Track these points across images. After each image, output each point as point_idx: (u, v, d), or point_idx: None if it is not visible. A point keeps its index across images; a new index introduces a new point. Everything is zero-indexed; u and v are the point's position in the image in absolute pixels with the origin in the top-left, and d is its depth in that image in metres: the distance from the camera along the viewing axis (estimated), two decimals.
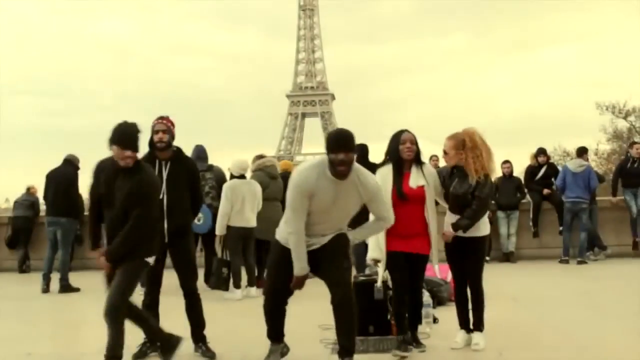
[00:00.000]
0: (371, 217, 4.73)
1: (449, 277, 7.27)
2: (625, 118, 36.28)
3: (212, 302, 7.30)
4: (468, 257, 5.06)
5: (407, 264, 4.97)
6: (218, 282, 7.95)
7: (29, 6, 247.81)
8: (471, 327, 5.11)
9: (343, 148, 4.23)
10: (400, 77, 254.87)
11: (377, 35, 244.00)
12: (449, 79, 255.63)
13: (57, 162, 9.47)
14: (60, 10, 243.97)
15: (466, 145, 4.95)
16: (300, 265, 4.38)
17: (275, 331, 4.74)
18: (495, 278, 8.98)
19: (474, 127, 5.08)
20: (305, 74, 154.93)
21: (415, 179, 4.95)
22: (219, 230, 8.02)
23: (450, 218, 5.07)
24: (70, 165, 9.33)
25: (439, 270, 7.34)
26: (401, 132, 5.03)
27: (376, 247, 5.00)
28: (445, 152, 5.07)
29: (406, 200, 4.89)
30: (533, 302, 6.99)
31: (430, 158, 11.24)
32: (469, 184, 4.93)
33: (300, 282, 4.43)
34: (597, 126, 37.30)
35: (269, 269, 4.83)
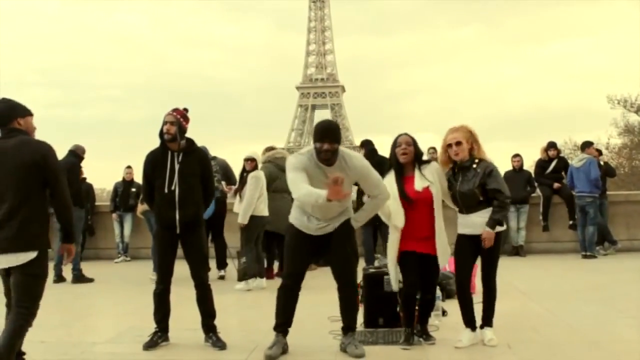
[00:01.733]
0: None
1: None
2: (637, 112, 36.00)
3: (222, 293, 7.35)
4: (483, 254, 4.97)
5: (418, 263, 4.96)
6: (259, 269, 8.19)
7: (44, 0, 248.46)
8: (479, 323, 5.08)
9: (327, 138, 4.58)
10: (410, 69, 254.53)
11: (388, 27, 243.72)
12: (459, 71, 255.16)
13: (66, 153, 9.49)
14: (71, 3, 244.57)
15: (472, 134, 4.98)
16: (319, 194, 4.37)
17: (284, 318, 4.89)
18: (505, 272, 8.95)
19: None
20: (315, 65, 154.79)
21: (420, 181, 4.90)
22: (243, 219, 8.04)
23: (464, 219, 4.98)
24: (73, 155, 9.33)
25: (448, 263, 7.40)
26: (399, 135, 5.01)
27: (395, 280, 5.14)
28: (457, 144, 4.90)
29: (413, 203, 4.86)
30: (542, 296, 6.99)
31: (428, 150, 11.24)
32: (477, 177, 4.86)
33: (335, 186, 4.29)
34: (609, 120, 37.16)
35: (285, 252, 5.01)
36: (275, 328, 4.90)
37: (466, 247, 4.96)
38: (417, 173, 4.93)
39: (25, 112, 4.39)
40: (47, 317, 6.75)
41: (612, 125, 36.71)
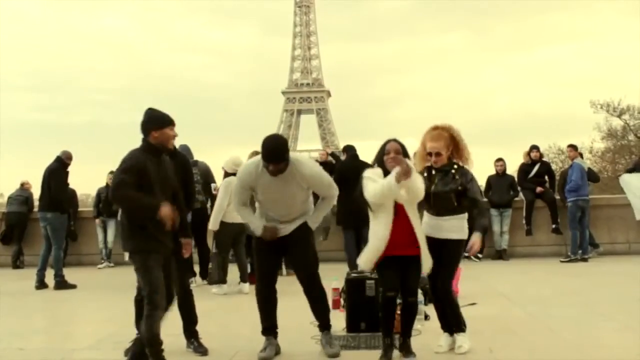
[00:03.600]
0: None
1: None
2: (619, 116, 36.32)
3: (204, 298, 7.32)
4: (442, 259, 4.79)
5: (397, 267, 4.75)
6: (223, 276, 8.14)
7: (28, 2, 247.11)
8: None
9: (272, 160, 4.69)
10: (396, 74, 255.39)
11: (374, 33, 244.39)
12: (445, 77, 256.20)
13: (53, 158, 9.44)
14: (58, 6, 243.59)
15: (455, 139, 4.89)
16: (254, 227, 4.97)
17: (269, 322, 4.95)
18: (488, 276, 9.04)
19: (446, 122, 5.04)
20: (301, 70, 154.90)
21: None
22: (213, 225, 8.04)
23: (433, 221, 4.87)
24: (58, 161, 9.28)
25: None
26: (387, 142, 4.82)
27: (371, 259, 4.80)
28: (437, 154, 4.86)
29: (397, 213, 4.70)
30: (524, 300, 7.01)
31: (414, 155, 11.27)
32: (455, 183, 4.80)
33: (269, 234, 4.89)
34: (592, 124, 37.38)
35: (254, 257, 5.18)
36: (263, 332, 4.98)
37: (433, 250, 4.74)
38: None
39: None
40: (27, 324, 6.74)
41: (595, 130, 37.04)
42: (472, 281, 7.85)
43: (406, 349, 4.78)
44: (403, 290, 4.84)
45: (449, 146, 4.87)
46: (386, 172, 4.63)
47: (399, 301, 5.37)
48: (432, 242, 4.76)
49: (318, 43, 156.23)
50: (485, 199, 9.92)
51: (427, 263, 4.72)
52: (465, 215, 4.91)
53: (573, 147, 11.47)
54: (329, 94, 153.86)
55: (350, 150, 9.35)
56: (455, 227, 4.83)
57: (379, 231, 4.65)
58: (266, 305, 4.99)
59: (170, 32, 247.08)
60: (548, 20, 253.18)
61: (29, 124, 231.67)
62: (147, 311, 4.33)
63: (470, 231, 4.94)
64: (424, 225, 4.86)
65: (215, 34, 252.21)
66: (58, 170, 9.21)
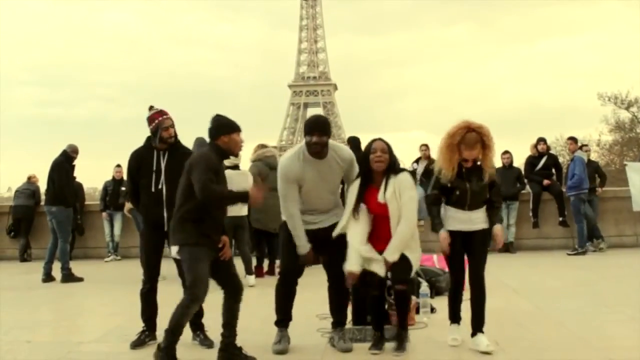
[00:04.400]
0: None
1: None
2: (627, 109, 36.20)
3: (210, 292, 7.33)
4: (474, 249, 4.83)
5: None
6: None
7: None
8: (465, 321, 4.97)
9: (316, 131, 4.70)
10: (402, 67, 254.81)
11: (380, 26, 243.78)
12: (451, 70, 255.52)
13: (58, 152, 9.46)
14: (63, 1, 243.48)
15: (485, 143, 4.76)
16: (300, 244, 4.83)
17: (284, 313, 4.98)
18: (494, 268, 8.94)
19: (468, 119, 4.83)
20: (307, 64, 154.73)
21: (383, 193, 4.67)
22: None
23: (463, 215, 4.80)
24: (63, 155, 9.30)
25: (437, 260, 7.41)
26: (373, 140, 4.79)
27: (356, 261, 4.71)
28: (473, 160, 4.81)
29: (373, 215, 4.73)
30: (532, 293, 7.00)
31: (420, 147, 11.29)
32: (483, 180, 4.79)
33: (306, 259, 4.86)
34: (599, 117, 37.27)
35: (281, 249, 5.08)
36: (277, 323, 5.00)
37: (460, 243, 4.83)
38: (383, 184, 4.69)
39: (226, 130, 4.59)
40: (34, 317, 6.76)
41: (602, 122, 36.94)
42: None
43: (399, 341, 4.78)
44: (392, 279, 4.81)
45: (479, 149, 4.78)
46: (369, 172, 4.71)
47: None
48: (461, 235, 4.81)
49: (324, 36, 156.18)
50: None
51: (390, 253, 4.66)
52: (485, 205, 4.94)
53: (573, 139, 11.38)
54: (335, 87, 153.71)
55: (354, 142, 9.32)
56: (482, 218, 4.83)
57: (357, 237, 4.70)
58: (285, 299, 5.00)
59: (175, 26, 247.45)
60: (554, 11, 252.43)
61: (33, 119, 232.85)
62: (186, 301, 4.44)
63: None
64: (450, 220, 4.82)
65: (220, 28, 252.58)
66: (62, 164, 9.22)
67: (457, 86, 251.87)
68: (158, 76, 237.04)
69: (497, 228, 4.83)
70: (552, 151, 12.59)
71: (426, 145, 11.39)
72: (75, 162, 9.43)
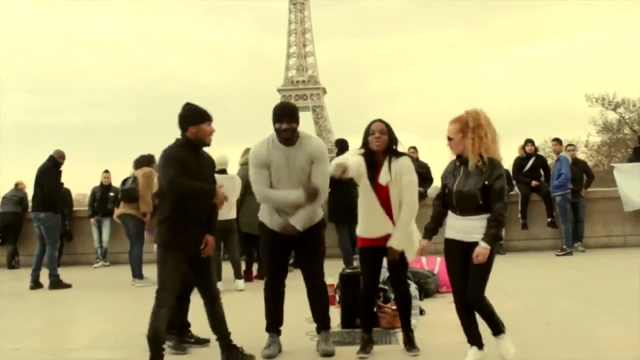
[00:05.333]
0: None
1: (437, 268, 7.32)
2: (614, 110, 36.36)
3: (198, 295, 7.30)
4: (471, 266, 4.20)
5: (377, 259, 4.76)
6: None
7: (22, 4, 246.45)
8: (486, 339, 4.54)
9: (285, 117, 4.68)
10: (392, 70, 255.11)
11: (369, 29, 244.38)
12: (441, 73, 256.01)
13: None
14: (52, 7, 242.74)
15: (469, 125, 4.21)
16: (296, 195, 4.70)
17: (274, 318, 4.96)
18: None
19: (479, 108, 4.35)
20: (296, 68, 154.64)
21: (385, 175, 4.61)
22: None
23: (456, 222, 4.30)
24: (51, 161, 9.24)
25: (426, 262, 7.41)
26: (373, 122, 4.70)
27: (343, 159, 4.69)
28: (449, 139, 4.32)
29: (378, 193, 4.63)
30: (520, 294, 7.00)
31: (409, 149, 11.26)
32: (479, 179, 4.17)
33: (285, 229, 4.75)
34: (588, 118, 37.42)
35: (262, 253, 5.15)
36: (267, 329, 4.97)
37: (457, 253, 4.29)
38: (385, 165, 4.62)
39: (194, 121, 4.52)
40: (22, 324, 6.71)
41: (590, 123, 37.08)
42: None
43: (409, 343, 4.80)
44: (391, 281, 4.87)
45: (464, 131, 4.22)
46: (371, 152, 4.64)
47: (392, 296, 5.41)
48: (457, 245, 4.28)
49: (313, 40, 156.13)
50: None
51: (406, 251, 4.65)
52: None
53: (558, 140, 11.45)
54: (324, 91, 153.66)
55: (341, 144, 9.30)
56: (480, 228, 4.17)
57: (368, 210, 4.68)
58: (273, 302, 4.98)
59: (164, 32, 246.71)
60: (542, 14, 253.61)
61: (24, 126, 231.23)
62: (154, 306, 4.40)
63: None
64: (447, 226, 4.37)
65: (209, 33, 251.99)
66: (50, 170, 9.17)
67: (447, 89, 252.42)
68: (148, 81, 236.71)
69: (479, 247, 4.11)
70: (540, 152, 12.63)
71: (414, 148, 11.39)
72: (62, 168, 9.37)
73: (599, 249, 10.89)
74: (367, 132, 4.69)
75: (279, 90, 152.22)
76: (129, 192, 9.09)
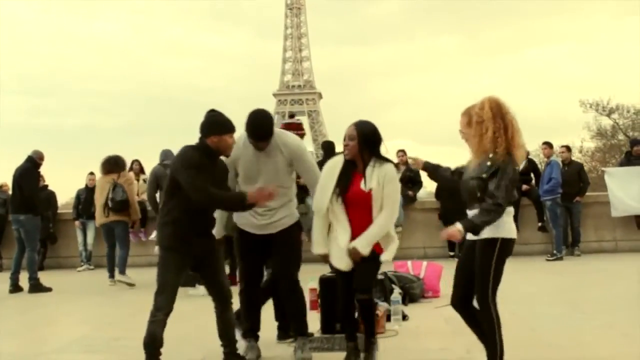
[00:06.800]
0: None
1: (422, 273, 7.19)
2: (608, 115, 36.36)
3: (179, 300, 7.15)
4: (475, 264, 3.98)
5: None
6: (185, 279, 7.79)
7: (21, 6, 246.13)
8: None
9: (260, 138, 4.45)
10: (388, 77, 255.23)
11: (366, 37, 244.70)
12: (437, 81, 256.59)
13: (50, 161, 9.25)
14: (52, 10, 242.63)
15: (472, 119, 3.89)
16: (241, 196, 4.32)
17: (250, 323, 4.78)
18: None
19: (494, 96, 3.94)
20: (292, 72, 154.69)
21: (369, 181, 4.28)
22: None
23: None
24: (29, 162, 9.08)
25: (412, 266, 7.28)
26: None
27: (322, 240, 4.44)
28: (461, 132, 4.05)
29: (350, 203, 4.32)
30: (508, 299, 6.78)
31: (397, 153, 11.14)
32: (480, 171, 3.84)
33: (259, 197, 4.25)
34: (582, 124, 37.45)
35: (236, 255, 4.90)
36: (244, 335, 4.79)
37: (468, 253, 4.03)
38: (368, 171, 4.30)
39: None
40: None
41: (584, 129, 37.08)
42: None
43: (369, 351, 4.53)
44: (355, 287, 4.39)
45: (472, 123, 3.91)
46: (350, 161, 4.33)
47: (380, 303, 5.26)
48: (470, 243, 4.00)
49: (309, 45, 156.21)
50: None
51: (363, 243, 4.25)
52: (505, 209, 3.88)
53: (548, 144, 11.30)
54: (320, 96, 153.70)
55: (328, 146, 9.17)
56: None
57: (339, 236, 4.35)
58: (249, 307, 4.81)
59: (162, 36, 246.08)
60: (538, 22, 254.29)
61: (22, 128, 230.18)
62: (152, 310, 4.22)
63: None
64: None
65: (206, 37, 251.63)
66: (30, 171, 9.01)
67: (443, 96, 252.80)
68: (147, 86, 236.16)
69: (451, 228, 3.81)
70: (531, 157, 12.54)
71: (403, 151, 11.27)
72: (40, 169, 9.25)
73: (590, 254, 10.79)
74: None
75: (275, 95, 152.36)
76: (124, 205, 9.14)
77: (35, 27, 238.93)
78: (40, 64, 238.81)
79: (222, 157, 4.39)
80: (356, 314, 4.86)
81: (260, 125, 4.47)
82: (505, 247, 3.95)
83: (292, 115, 5.22)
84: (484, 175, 3.82)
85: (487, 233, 3.86)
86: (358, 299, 4.40)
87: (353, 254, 4.27)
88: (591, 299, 6.78)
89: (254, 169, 4.53)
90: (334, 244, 4.40)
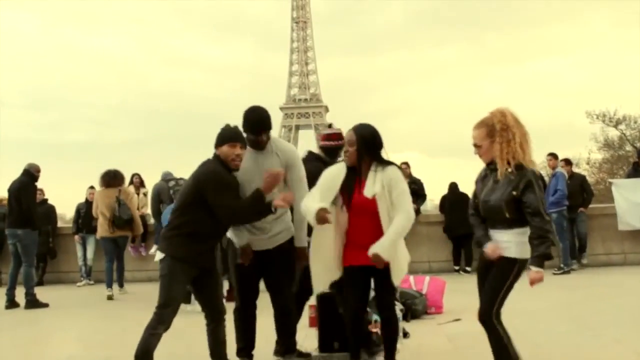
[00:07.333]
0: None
1: (425, 289, 7.00)
2: (615, 126, 36.11)
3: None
4: (488, 280, 3.94)
5: (365, 279, 4.25)
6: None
7: (25, 21, 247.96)
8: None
9: (261, 130, 4.44)
10: (393, 88, 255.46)
11: (371, 48, 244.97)
12: (441, 90, 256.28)
13: (52, 175, 9.15)
14: (54, 24, 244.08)
15: (496, 128, 3.78)
16: (238, 237, 4.54)
17: (245, 340, 4.67)
18: (474, 289, 8.68)
19: (504, 107, 3.89)
20: (298, 86, 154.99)
21: (370, 187, 4.12)
22: None
23: (497, 235, 3.86)
24: (26, 175, 8.97)
25: (414, 281, 7.10)
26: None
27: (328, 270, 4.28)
28: (476, 146, 3.90)
29: (354, 209, 4.16)
30: (513, 314, 6.57)
31: (401, 164, 10.94)
32: (506, 189, 3.74)
33: (245, 253, 4.51)
34: (588, 135, 37.19)
35: (231, 271, 4.76)
36: (238, 353, 4.68)
37: (482, 269, 4.01)
38: (370, 177, 4.13)
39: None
40: None
41: (591, 140, 36.83)
42: (460, 295, 7.53)
43: None
44: (378, 304, 4.38)
45: (492, 134, 3.81)
46: (351, 167, 4.19)
47: (375, 317, 5.06)
48: (483, 260, 3.97)
49: (315, 58, 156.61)
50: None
51: (394, 274, 4.15)
52: (527, 229, 3.81)
53: (553, 155, 11.08)
54: (326, 109, 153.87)
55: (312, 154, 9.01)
56: (506, 242, 3.82)
57: (322, 248, 4.22)
58: (244, 325, 4.68)
59: (166, 49, 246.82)
60: (542, 32, 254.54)
61: (26, 142, 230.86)
62: (152, 322, 4.10)
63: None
64: (495, 243, 3.87)
65: (211, 50, 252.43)
66: (28, 185, 8.90)
67: (448, 106, 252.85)
68: (149, 98, 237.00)
69: (532, 273, 3.76)
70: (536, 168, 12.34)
71: (406, 164, 11.11)
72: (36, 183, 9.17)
73: (597, 267, 10.57)
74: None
75: (282, 109, 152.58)
76: (130, 222, 9.52)
77: (38, 41, 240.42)
78: (41, 78, 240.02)
79: None
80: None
81: (260, 118, 4.46)
82: (522, 268, 3.88)
83: (330, 125, 5.13)
84: (515, 193, 3.70)
85: (513, 252, 3.80)
86: (386, 316, 4.30)
87: (375, 260, 4.04)
88: (599, 314, 6.59)
89: (251, 171, 4.43)
90: (320, 257, 4.26)
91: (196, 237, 4.15)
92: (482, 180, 3.96)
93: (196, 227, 4.13)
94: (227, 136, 4.26)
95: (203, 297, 4.39)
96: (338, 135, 5.13)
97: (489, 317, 3.97)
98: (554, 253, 10.46)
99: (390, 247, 4.06)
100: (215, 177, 4.13)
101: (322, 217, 3.98)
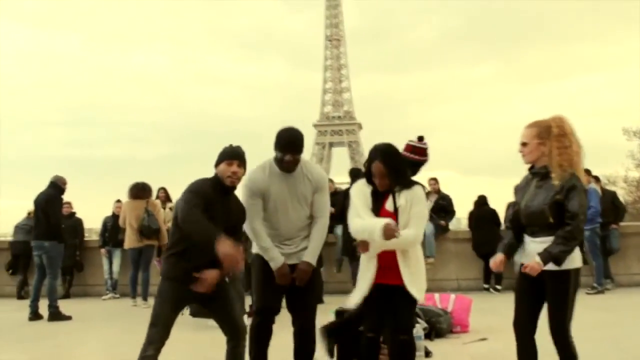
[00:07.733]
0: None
1: (450, 307, 6.80)
2: None
3: (195, 331, 6.88)
4: (547, 297, 3.83)
5: (381, 300, 4.18)
6: (200, 309, 7.54)
7: (63, 42, 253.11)
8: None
9: (292, 150, 4.34)
10: (427, 105, 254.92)
11: (404, 65, 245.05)
12: (476, 109, 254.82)
13: (86, 190, 9.23)
14: (91, 45, 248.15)
15: (552, 132, 3.74)
16: (271, 257, 4.40)
17: (260, 356, 4.54)
18: (506, 309, 8.38)
19: (563, 115, 3.85)
20: (332, 103, 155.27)
21: (391, 203, 4.16)
22: None
23: (526, 242, 3.86)
24: (53, 187, 8.99)
25: (439, 299, 6.90)
26: (371, 160, 4.20)
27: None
28: (523, 144, 3.85)
29: None
30: (541, 335, 6.38)
31: (429, 181, 10.75)
32: (549, 193, 3.70)
33: (282, 275, 4.38)
34: (625, 152, 36.39)
35: (254, 287, 4.64)
36: None
37: (524, 281, 3.85)
38: (396, 193, 4.16)
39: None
40: (6, 357, 6.34)
41: (628, 158, 36.04)
42: (487, 314, 7.33)
43: None
44: (393, 326, 4.20)
45: (541, 136, 3.77)
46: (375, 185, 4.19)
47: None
48: (528, 275, 3.76)
49: (349, 76, 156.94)
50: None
51: (416, 290, 4.10)
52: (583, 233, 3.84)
53: (587, 171, 10.80)
54: (360, 127, 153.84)
55: (355, 174, 8.89)
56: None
57: (363, 264, 4.24)
58: (260, 342, 4.53)
59: (200, 67, 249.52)
60: (577, 49, 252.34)
61: (63, 159, 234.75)
62: (144, 344, 3.98)
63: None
64: (534, 254, 3.74)
65: (245, 68, 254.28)
66: (56, 197, 8.94)
67: (483, 124, 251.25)
68: (185, 116, 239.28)
69: (532, 262, 3.68)
70: None
71: (435, 179, 10.92)
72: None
73: (633, 287, 10.22)
74: (369, 171, 4.21)
75: (315, 126, 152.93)
76: (157, 232, 9.84)
77: (76, 60, 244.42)
78: (80, 96, 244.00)
79: (247, 193, 4.36)
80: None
81: (294, 137, 4.40)
82: (577, 277, 3.82)
83: (420, 138, 4.97)
84: (558, 197, 3.65)
85: (555, 265, 3.69)
86: (401, 340, 4.15)
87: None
88: (630, 336, 6.33)
89: (285, 194, 4.41)
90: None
91: (184, 255, 4.03)
92: (522, 188, 3.90)
93: (186, 245, 4.02)
94: (224, 154, 4.18)
95: (215, 315, 4.27)
96: (423, 151, 4.95)
97: (564, 336, 3.94)
98: (587, 272, 10.24)
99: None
100: (191, 186, 4.04)
101: (390, 229, 3.91)
